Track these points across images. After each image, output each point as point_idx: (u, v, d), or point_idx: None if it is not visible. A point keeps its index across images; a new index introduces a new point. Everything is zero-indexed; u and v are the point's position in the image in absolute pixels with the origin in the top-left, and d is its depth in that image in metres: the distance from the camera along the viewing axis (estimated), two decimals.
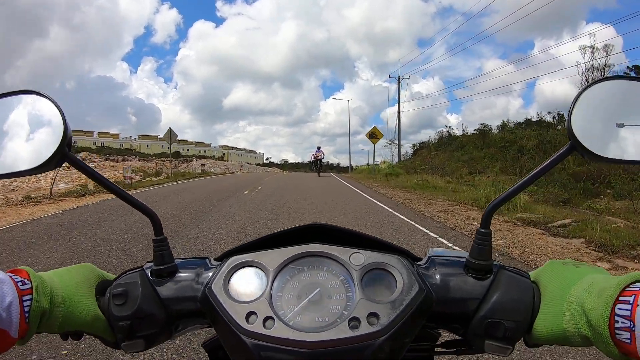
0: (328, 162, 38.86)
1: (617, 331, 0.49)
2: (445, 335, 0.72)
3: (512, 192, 0.66)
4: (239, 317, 0.61)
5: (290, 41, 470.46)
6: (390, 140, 57.11)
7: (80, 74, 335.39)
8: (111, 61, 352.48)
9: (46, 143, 0.62)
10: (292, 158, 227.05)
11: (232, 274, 0.68)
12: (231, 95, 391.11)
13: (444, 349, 0.77)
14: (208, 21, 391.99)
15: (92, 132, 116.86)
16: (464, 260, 0.68)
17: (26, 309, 0.57)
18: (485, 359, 0.70)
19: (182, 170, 35.69)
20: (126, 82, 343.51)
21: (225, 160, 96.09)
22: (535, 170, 0.64)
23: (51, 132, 0.63)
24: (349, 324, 0.59)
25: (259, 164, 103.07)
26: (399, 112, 46.34)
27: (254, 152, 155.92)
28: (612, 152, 0.61)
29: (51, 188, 16.74)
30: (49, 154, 0.61)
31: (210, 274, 0.70)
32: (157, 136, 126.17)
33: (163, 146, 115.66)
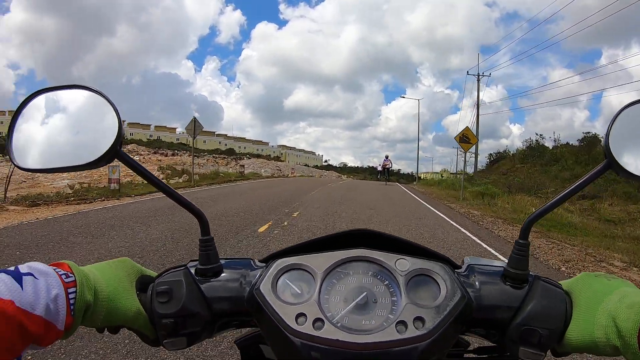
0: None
1: None
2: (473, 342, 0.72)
3: (550, 206, 0.67)
4: (289, 318, 0.63)
5: (351, 44, 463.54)
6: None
7: (146, 70, 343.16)
8: (176, 59, 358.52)
9: (100, 139, 0.62)
10: (351, 162, 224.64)
11: (280, 276, 0.69)
12: (292, 96, 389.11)
13: (475, 355, 0.78)
14: (271, 23, 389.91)
15: (149, 125, 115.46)
16: (500, 269, 0.70)
17: (71, 302, 0.57)
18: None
19: (216, 171, 31.00)
20: (190, 79, 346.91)
21: (282, 161, 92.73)
22: (572, 186, 0.65)
23: (105, 128, 0.63)
24: (396, 327, 0.61)
25: (316, 166, 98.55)
26: (478, 114, 40.13)
27: (313, 153, 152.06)
28: None
29: (5, 191, 12.67)
30: (103, 151, 0.61)
31: (257, 275, 0.71)
32: (214, 132, 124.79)
33: (220, 142, 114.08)
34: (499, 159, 46.57)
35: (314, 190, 19.38)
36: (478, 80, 40.43)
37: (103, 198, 13.93)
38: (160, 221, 9.17)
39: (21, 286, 0.52)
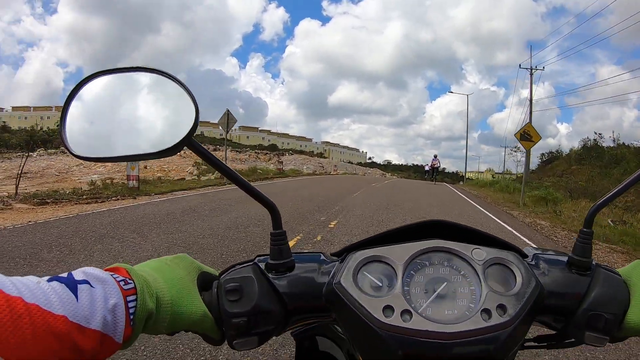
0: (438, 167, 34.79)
1: None
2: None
3: (615, 194, 0.69)
4: (376, 311, 0.62)
5: (395, 41, 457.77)
6: (516, 147, 48.89)
7: (191, 67, 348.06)
8: (221, 56, 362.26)
9: (173, 126, 0.61)
10: (395, 159, 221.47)
11: (360, 269, 0.68)
12: (336, 92, 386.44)
13: (535, 343, 0.79)
14: (314, 19, 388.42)
15: (207, 121, 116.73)
16: (565, 258, 0.72)
17: (131, 311, 0.53)
18: (565, 356, 0.64)
19: (255, 167, 29.21)
20: (235, 76, 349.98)
21: (325, 157, 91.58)
22: (635, 175, 0.67)
23: (178, 114, 0.61)
24: (481, 315, 0.62)
25: (360, 164, 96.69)
26: (531, 110, 37.61)
27: (357, 150, 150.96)
28: None
29: (16, 187, 11.69)
30: (177, 139, 0.59)
31: (333, 268, 0.70)
32: (257, 128, 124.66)
33: (263, 138, 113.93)
34: (552, 159, 43.85)
35: (356, 192, 17.25)
36: (531, 74, 38.02)
37: (118, 197, 12.45)
38: (164, 231, 7.43)
39: (76, 297, 0.48)
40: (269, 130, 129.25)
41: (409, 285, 0.66)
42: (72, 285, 0.49)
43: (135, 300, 0.54)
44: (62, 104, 0.63)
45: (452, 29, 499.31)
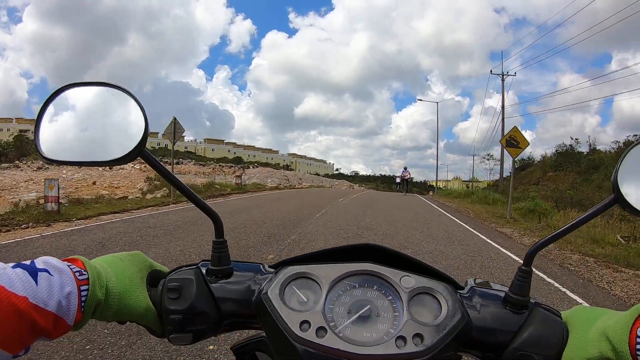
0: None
1: (639, 352, 0.53)
2: None
3: (555, 236, 0.68)
4: (293, 325, 0.64)
5: (361, 52, 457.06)
6: (488, 155, 47.08)
7: (157, 79, 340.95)
8: (187, 68, 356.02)
9: (125, 137, 0.64)
10: (362, 170, 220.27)
11: (288, 283, 0.70)
12: (302, 104, 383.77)
13: None
14: (281, 32, 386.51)
15: (157, 132, 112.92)
16: (502, 293, 0.71)
17: (83, 299, 0.59)
18: None
19: (212, 181, 26.24)
20: (202, 88, 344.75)
21: (291, 169, 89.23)
22: (579, 218, 0.66)
23: (131, 127, 0.65)
24: (395, 342, 0.62)
25: (327, 175, 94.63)
26: (503, 117, 35.93)
27: (324, 161, 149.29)
28: None
29: None
30: (129, 149, 0.63)
31: (266, 280, 0.72)
32: (223, 140, 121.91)
33: (229, 151, 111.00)
34: (525, 166, 41.96)
35: (320, 211, 14.37)
36: (503, 80, 36.07)
37: (30, 223, 10.00)
38: None
39: (36, 282, 0.54)
40: (235, 143, 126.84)
41: (333, 304, 0.67)
42: (33, 272, 0.55)
43: (87, 290, 0.59)
44: (23, 116, 0.62)
45: (416, 41, 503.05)
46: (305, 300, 0.68)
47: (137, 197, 18.39)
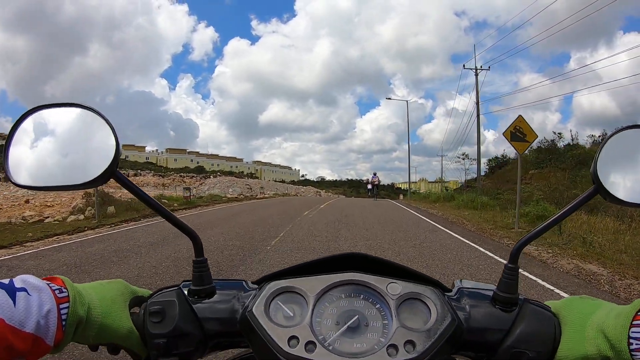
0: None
1: (633, 353, 0.52)
2: None
3: (540, 231, 0.68)
4: (281, 341, 0.63)
5: (324, 58, 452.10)
6: (463, 155, 43.99)
7: (120, 89, 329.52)
8: (150, 77, 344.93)
9: (96, 158, 0.62)
10: (328, 175, 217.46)
11: (273, 299, 0.69)
12: (267, 111, 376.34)
13: None
14: (243, 39, 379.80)
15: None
16: (490, 292, 0.70)
17: (63, 317, 0.57)
18: None
19: (161, 195, 21.65)
20: (165, 97, 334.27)
21: (256, 177, 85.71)
22: (562, 211, 0.66)
23: (102, 147, 0.63)
24: (387, 351, 0.62)
25: (293, 182, 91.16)
26: (478, 113, 33.02)
27: (290, 168, 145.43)
28: (634, 197, 0.63)
29: None
30: (100, 171, 0.61)
31: (250, 297, 0.71)
32: (185, 150, 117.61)
33: (192, 160, 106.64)
34: (501, 164, 39.06)
35: (279, 234, 10.40)
36: (476, 75, 33.33)
37: None
38: None
39: (14, 302, 0.53)
40: (198, 152, 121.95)
41: (320, 317, 0.66)
42: (11, 292, 0.53)
43: (68, 307, 0.57)
44: None
45: (379, 45, 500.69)
46: (292, 315, 0.66)
47: (56, 221, 14.36)
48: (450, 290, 0.72)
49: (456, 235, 11.13)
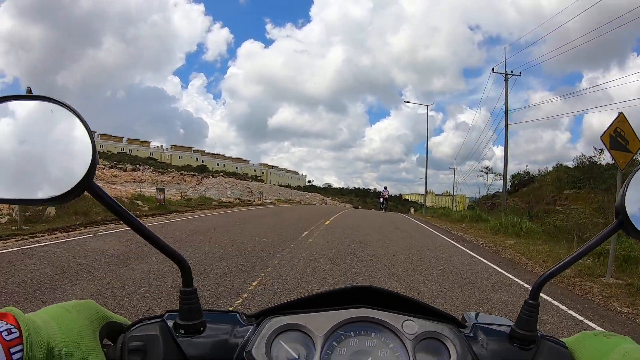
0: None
1: None
2: None
3: (563, 266, 0.64)
4: None
5: (336, 65, 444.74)
6: (487, 169, 39.65)
7: (131, 84, 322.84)
8: (162, 74, 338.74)
9: (69, 168, 0.52)
10: (334, 182, 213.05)
11: (274, 338, 0.62)
12: (276, 115, 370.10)
13: None
14: (257, 41, 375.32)
15: (122, 137, 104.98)
16: (506, 328, 0.67)
17: None
18: None
19: (138, 194, 17.39)
20: (177, 95, 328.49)
21: (261, 180, 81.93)
22: (586, 245, 0.63)
23: (76, 154, 0.52)
24: None
25: (299, 187, 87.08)
26: (507, 122, 29.06)
27: (296, 173, 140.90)
28: None
29: None
30: (73, 183, 0.51)
31: (247, 333, 0.63)
32: (191, 148, 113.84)
33: (197, 159, 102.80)
34: (526, 182, 34.65)
35: (241, 294, 5.16)
36: (506, 80, 29.53)
37: None
38: None
39: None
40: (203, 151, 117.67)
41: (329, 358, 0.60)
42: None
43: (22, 351, 0.46)
44: None
45: (391, 55, 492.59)
46: (296, 357, 0.59)
47: None
48: (465, 326, 0.67)
49: (548, 299, 6.56)
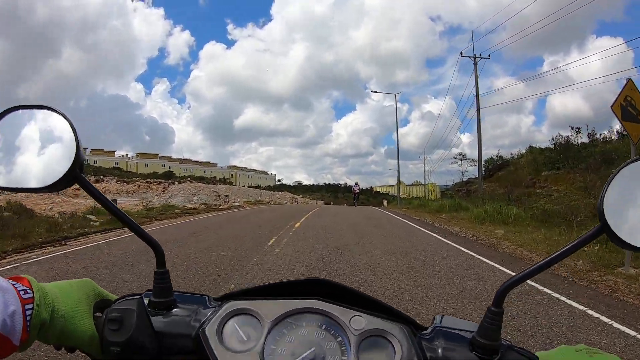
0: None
1: None
2: None
3: (532, 272, 0.59)
4: None
5: (300, 63, 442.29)
6: (461, 155, 38.70)
7: (94, 93, 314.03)
8: (125, 81, 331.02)
9: (58, 162, 0.62)
10: (304, 179, 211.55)
11: (228, 320, 0.65)
12: (242, 116, 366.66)
13: None
14: (219, 43, 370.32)
15: (86, 148, 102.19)
16: (469, 335, 0.63)
17: (28, 318, 0.57)
18: None
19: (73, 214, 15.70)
20: (140, 102, 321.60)
21: (230, 183, 79.90)
22: (562, 250, 0.58)
23: (63, 151, 0.62)
24: None
25: (269, 187, 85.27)
26: (478, 107, 27.76)
27: (265, 173, 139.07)
28: None
29: None
30: (60, 174, 0.60)
31: (208, 314, 0.66)
32: (157, 155, 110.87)
33: (164, 165, 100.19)
34: (501, 166, 33.72)
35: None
36: (475, 64, 28.26)
37: None
38: None
39: None
40: (170, 157, 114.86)
41: (275, 344, 0.61)
42: None
43: (32, 309, 0.57)
44: None
45: (354, 50, 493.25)
46: (245, 338, 0.62)
47: None
48: (426, 328, 0.65)
49: (582, 308, 5.05)
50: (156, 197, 38.79)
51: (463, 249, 9.48)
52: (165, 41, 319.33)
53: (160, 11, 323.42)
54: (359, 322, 0.63)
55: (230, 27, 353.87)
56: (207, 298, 0.70)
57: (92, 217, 15.55)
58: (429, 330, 0.64)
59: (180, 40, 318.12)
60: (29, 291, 0.58)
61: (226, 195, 38.83)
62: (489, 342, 0.59)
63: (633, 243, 0.54)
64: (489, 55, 28.76)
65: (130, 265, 7.15)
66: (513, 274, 5.18)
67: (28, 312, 0.56)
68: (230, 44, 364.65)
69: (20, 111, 0.65)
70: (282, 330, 0.63)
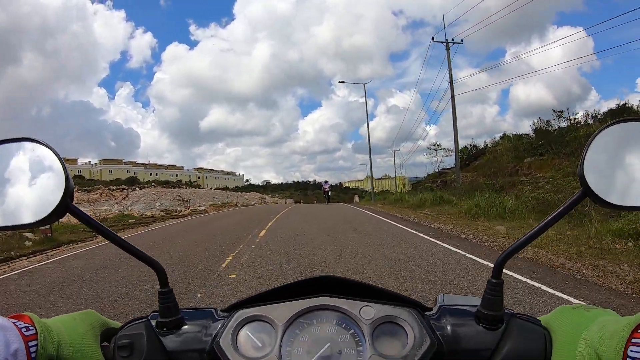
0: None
1: None
2: None
3: (525, 241, 0.62)
4: None
5: (263, 61, 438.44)
6: (436, 146, 37.13)
7: (56, 100, 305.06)
8: (87, 87, 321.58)
9: (48, 194, 0.60)
10: (273, 178, 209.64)
11: (240, 329, 0.65)
12: (208, 117, 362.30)
13: None
14: (182, 44, 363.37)
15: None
16: (473, 309, 0.66)
17: (32, 356, 0.55)
18: None
19: None
20: (104, 107, 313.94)
21: (198, 186, 77.24)
22: (549, 218, 0.61)
23: (53, 182, 0.60)
24: None
25: (237, 188, 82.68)
26: (452, 94, 26.58)
27: (233, 174, 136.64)
28: (626, 200, 0.58)
29: None
30: (52, 207, 0.58)
31: (218, 326, 0.67)
32: (121, 160, 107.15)
33: (128, 171, 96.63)
34: (476, 155, 32.18)
35: None
36: (448, 49, 27.06)
37: None
38: None
39: None
40: (134, 162, 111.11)
41: (291, 346, 0.62)
42: None
43: (37, 345, 0.55)
44: None
45: (318, 47, 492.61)
46: (260, 345, 0.63)
47: None
48: (431, 309, 0.67)
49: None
50: (116, 205, 36.18)
51: (474, 257, 7.29)
52: (127, 44, 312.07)
53: (122, 13, 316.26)
54: (369, 311, 0.64)
55: (192, 27, 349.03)
56: (214, 311, 0.69)
57: (28, 234, 12.96)
58: (435, 310, 0.66)
59: (143, 42, 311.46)
60: (31, 328, 0.55)
61: (187, 200, 36.26)
62: (494, 313, 0.62)
63: (615, 202, 0.56)
64: (462, 40, 27.33)
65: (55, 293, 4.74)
66: (569, 298, 3.17)
67: (32, 349, 0.54)
68: (193, 44, 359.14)
69: (4, 145, 0.61)
70: (295, 331, 0.63)
